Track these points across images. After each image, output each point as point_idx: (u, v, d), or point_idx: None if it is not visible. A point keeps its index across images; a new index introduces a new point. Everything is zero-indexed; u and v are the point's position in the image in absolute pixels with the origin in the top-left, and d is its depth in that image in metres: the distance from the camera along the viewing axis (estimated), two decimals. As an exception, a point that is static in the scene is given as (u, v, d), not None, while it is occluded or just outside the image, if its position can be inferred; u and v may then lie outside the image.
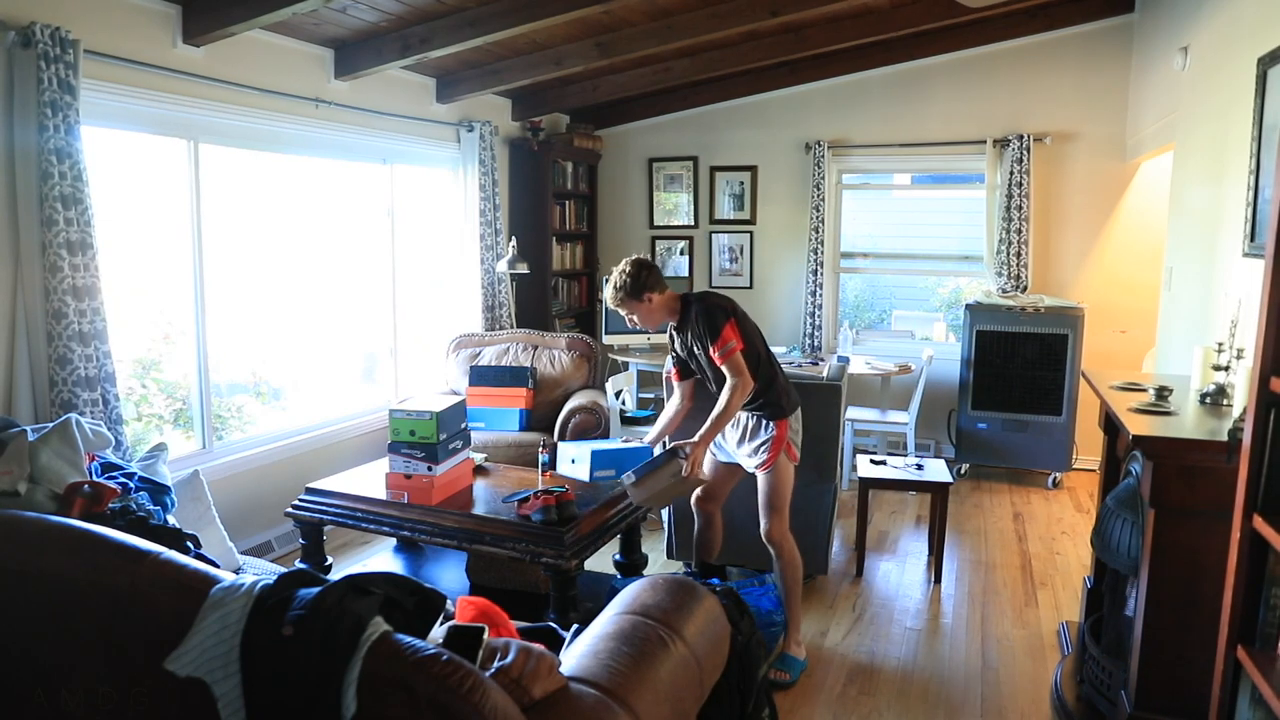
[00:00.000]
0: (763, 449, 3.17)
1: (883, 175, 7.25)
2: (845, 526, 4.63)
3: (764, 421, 3.18)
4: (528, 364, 5.04)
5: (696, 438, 3.07)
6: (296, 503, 3.52)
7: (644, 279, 3.11)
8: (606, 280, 3.21)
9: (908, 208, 9.45)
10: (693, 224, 6.76)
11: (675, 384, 3.41)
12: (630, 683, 1.65)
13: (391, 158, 5.15)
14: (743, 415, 3.23)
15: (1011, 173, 5.63)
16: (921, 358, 5.58)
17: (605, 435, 4.76)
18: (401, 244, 5.30)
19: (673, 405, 3.44)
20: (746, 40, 5.41)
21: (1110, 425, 3.14)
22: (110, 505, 2.34)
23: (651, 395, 5.86)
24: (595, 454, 3.37)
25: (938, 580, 4.03)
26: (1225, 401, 2.71)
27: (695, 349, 3.20)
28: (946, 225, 8.34)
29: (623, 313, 3.20)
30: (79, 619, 1.78)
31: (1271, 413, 1.72)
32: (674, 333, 3.27)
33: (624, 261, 3.15)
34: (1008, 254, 5.70)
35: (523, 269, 5.48)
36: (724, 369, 3.05)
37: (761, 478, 3.20)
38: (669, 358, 3.42)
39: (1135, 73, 5.40)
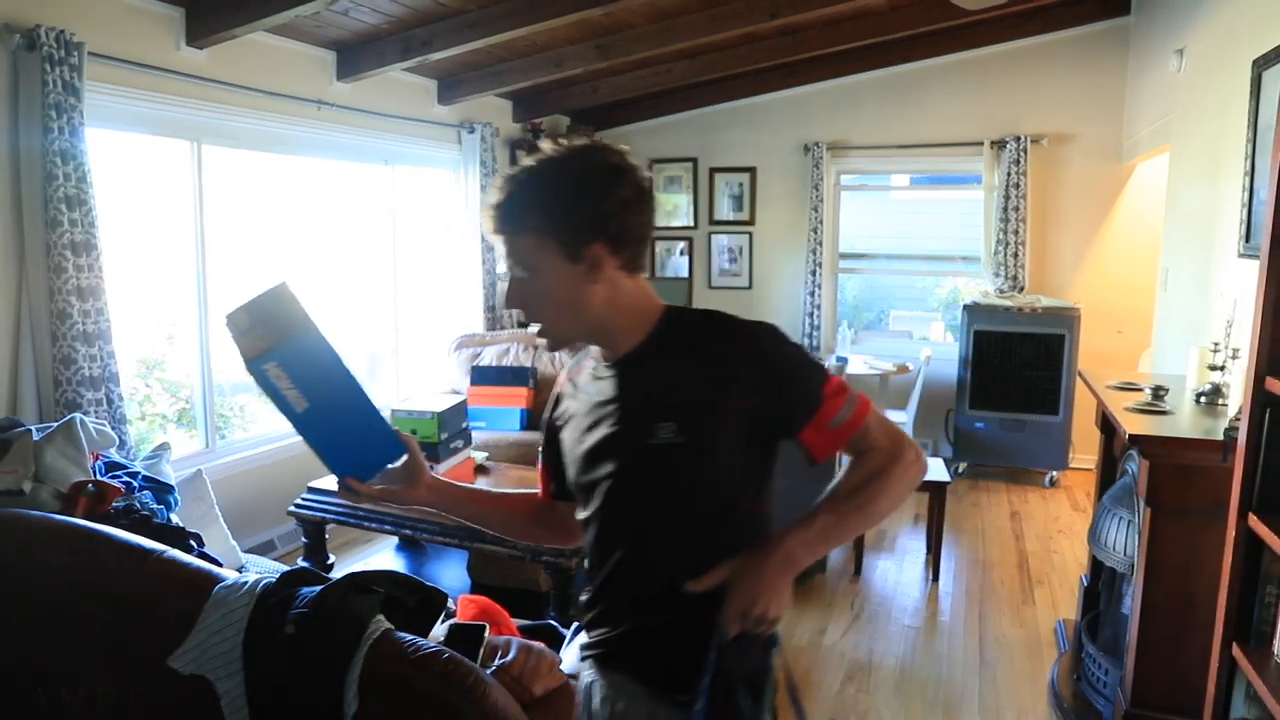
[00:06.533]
0: None
1: (881, 176, 7.27)
2: (844, 526, 4.64)
3: None
4: (529, 364, 5.06)
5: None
6: (299, 501, 3.54)
7: None
8: None
9: (906, 208, 9.46)
10: (692, 225, 6.77)
11: None
12: (630, 679, 1.66)
13: (393, 159, 5.16)
14: None
15: (1009, 174, 5.65)
16: (919, 358, 5.59)
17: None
18: (403, 244, 5.31)
19: None
20: (746, 42, 5.42)
21: (1107, 424, 3.16)
22: (114, 504, 2.36)
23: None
24: None
25: (935, 579, 4.05)
26: (1221, 401, 2.73)
27: None
28: (944, 226, 8.35)
29: None
30: (82, 617, 1.79)
31: (1267, 412, 1.74)
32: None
33: None
34: (1005, 254, 5.72)
35: (523, 269, 5.48)
36: None
37: None
38: None
39: (1131, 75, 5.41)
